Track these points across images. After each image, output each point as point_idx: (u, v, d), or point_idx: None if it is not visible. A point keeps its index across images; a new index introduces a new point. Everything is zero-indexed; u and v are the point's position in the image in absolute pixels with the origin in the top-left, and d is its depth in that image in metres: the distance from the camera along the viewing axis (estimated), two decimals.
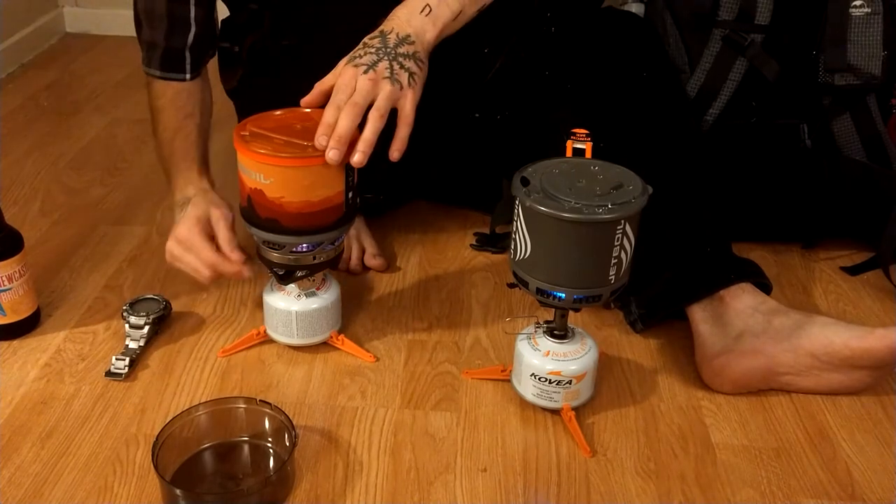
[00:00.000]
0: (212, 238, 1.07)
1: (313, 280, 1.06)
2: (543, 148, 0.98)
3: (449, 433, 0.97)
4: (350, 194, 0.98)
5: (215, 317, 1.15)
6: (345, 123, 0.92)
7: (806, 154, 1.38)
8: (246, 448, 0.94)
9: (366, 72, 0.94)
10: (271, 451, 0.93)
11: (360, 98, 0.93)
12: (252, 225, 0.98)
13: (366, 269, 1.27)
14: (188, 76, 1.17)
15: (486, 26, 1.15)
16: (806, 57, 1.35)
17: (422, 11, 1.00)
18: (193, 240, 1.05)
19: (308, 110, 1.01)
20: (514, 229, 0.90)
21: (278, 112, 1.00)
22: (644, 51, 1.19)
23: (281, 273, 1.02)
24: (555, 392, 0.96)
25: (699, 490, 0.90)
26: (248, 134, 0.95)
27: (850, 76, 1.33)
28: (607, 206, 0.84)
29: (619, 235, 0.86)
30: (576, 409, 0.98)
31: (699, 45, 1.37)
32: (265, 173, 0.93)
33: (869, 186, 1.31)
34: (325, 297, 1.06)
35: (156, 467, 0.84)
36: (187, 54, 1.16)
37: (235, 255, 1.05)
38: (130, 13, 1.17)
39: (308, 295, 1.06)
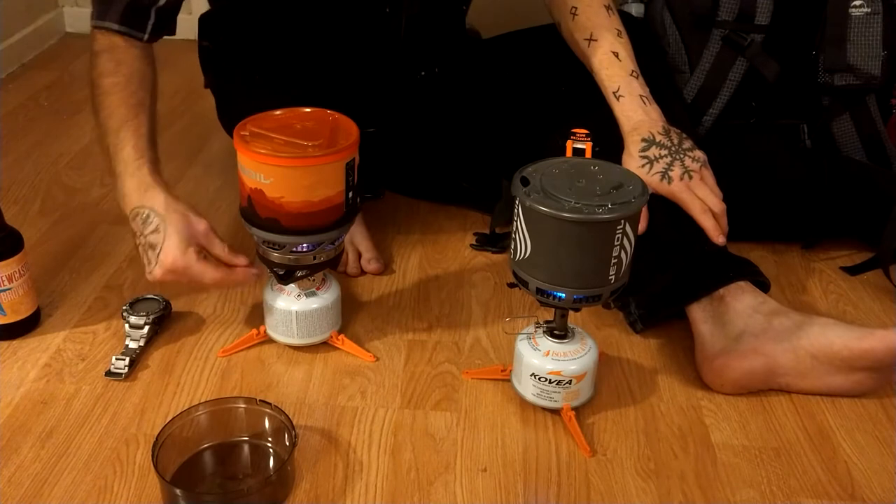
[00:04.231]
0: (202, 252, 1.03)
1: (313, 280, 1.06)
2: (543, 148, 0.98)
3: (449, 433, 0.97)
4: (350, 194, 0.98)
5: (215, 317, 1.15)
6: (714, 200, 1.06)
7: (806, 154, 1.38)
8: (246, 448, 0.94)
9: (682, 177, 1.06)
10: (271, 451, 0.93)
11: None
12: (252, 225, 0.98)
13: (363, 272, 1.27)
14: (146, 37, 1.08)
15: None
16: (806, 57, 1.35)
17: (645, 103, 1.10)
18: (190, 267, 1.00)
19: (308, 110, 1.01)
20: (514, 229, 0.90)
21: (278, 112, 1.00)
22: (640, 52, 1.19)
23: (281, 273, 1.02)
24: (555, 392, 0.96)
25: (699, 490, 0.90)
26: (248, 134, 0.95)
27: (850, 76, 1.33)
28: (607, 206, 0.84)
29: (619, 235, 0.86)
30: (576, 409, 0.98)
31: (699, 45, 1.37)
32: (265, 173, 0.93)
33: (869, 186, 1.31)
34: (325, 297, 1.06)
35: (156, 467, 0.84)
36: (153, 13, 1.08)
37: (241, 260, 1.04)
38: None
39: (308, 295, 1.06)
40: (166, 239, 1.00)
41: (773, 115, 1.39)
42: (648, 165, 1.06)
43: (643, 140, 1.07)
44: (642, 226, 1.05)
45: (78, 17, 2.26)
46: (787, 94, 1.37)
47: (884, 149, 1.37)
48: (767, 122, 1.39)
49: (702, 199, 1.06)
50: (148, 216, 1.01)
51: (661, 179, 1.06)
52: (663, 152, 1.07)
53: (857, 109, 1.36)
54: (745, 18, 1.33)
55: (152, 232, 1.01)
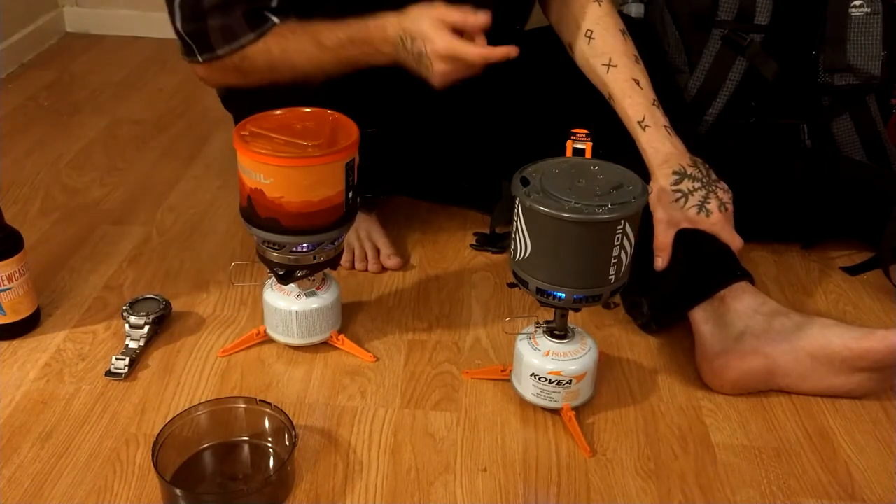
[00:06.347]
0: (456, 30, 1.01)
1: (313, 280, 1.06)
2: (543, 148, 0.98)
3: (449, 433, 0.97)
4: (350, 194, 0.98)
5: (215, 317, 1.15)
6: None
7: (806, 154, 1.38)
8: (246, 448, 0.94)
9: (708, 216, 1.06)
10: (271, 451, 0.93)
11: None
12: (252, 225, 0.98)
13: (384, 269, 1.27)
14: (277, 20, 1.08)
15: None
16: (805, 57, 1.35)
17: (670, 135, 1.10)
18: (458, 46, 1.00)
19: (308, 110, 1.01)
20: (514, 229, 0.90)
21: (278, 112, 1.00)
22: (640, 52, 1.19)
23: (281, 273, 1.02)
24: (555, 392, 0.96)
25: (699, 490, 0.90)
26: (248, 134, 0.95)
27: (850, 76, 1.33)
28: (607, 206, 0.84)
29: (619, 235, 0.86)
30: (576, 409, 0.98)
31: (699, 45, 1.38)
32: (265, 173, 0.93)
33: (869, 186, 1.31)
34: (325, 297, 1.06)
35: (156, 467, 0.84)
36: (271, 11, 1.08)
37: (480, 20, 1.00)
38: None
39: (308, 295, 1.06)
40: (423, 40, 1.01)
41: (773, 115, 1.39)
42: (683, 199, 1.06)
43: (674, 173, 1.07)
44: (664, 262, 1.05)
45: (78, 17, 2.26)
46: (787, 93, 1.37)
47: (884, 149, 1.37)
48: (767, 122, 1.39)
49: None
50: (403, 39, 1.03)
51: (699, 212, 1.06)
52: (696, 185, 1.06)
53: (857, 109, 1.36)
54: (745, 18, 1.33)
55: (413, 45, 1.02)
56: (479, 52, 1.01)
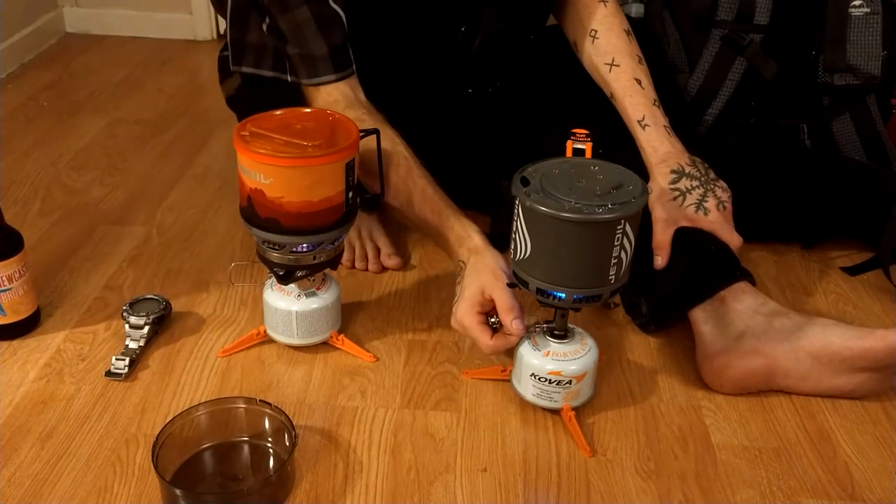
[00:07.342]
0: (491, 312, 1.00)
1: (313, 280, 1.06)
2: (543, 148, 0.98)
3: (449, 433, 0.97)
4: (350, 194, 0.98)
5: (215, 317, 1.15)
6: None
7: (806, 154, 1.38)
8: (246, 448, 0.94)
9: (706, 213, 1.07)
10: (271, 451, 0.93)
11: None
12: (252, 225, 0.98)
13: (384, 269, 1.27)
14: (354, 66, 1.11)
15: (458, 6, 1.17)
16: (805, 57, 1.35)
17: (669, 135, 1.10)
18: (471, 328, 0.98)
19: (308, 110, 1.01)
20: (514, 229, 0.90)
21: (278, 112, 1.00)
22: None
23: (281, 273, 1.02)
24: (555, 392, 0.96)
25: (699, 490, 0.90)
26: (248, 134, 0.95)
27: (850, 76, 1.33)
28: (607, 206, 0.84)
29: (619, 235, 0.86)
30: (576, 409, 0.98)
31: (698, 45, 1.38)
32: (265, 173, 0.93)
33: (869, 186, 1.31)
34: (325, 297, 1.06)
35: (156, 467, 0.84)
36: (348, 46, 1.10)
37: (515, 328, 0.96)
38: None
39: (308, 295, 1.06)
40: (459, 293, 1.01)
41: (773, 115, 1.39)
42: (681, 198, 1.06)
43: (672, 172, 1.07)
44: (664, 261, 1.05)
45: (78, 17, 2.27)
46: (786, 93, 1.37)
47: (884, 149, 1.37)
48: (767, 122, 1.39)
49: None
50: (460, 271, 1.04)
51: (697, 210, 1.06)
52: (694, 183, 1.07)
53: (857, 109, 1.36)
54: (744, 18, 1.33)
55: (458, 283, 1.03)
56: (488, 345, 0.98)
